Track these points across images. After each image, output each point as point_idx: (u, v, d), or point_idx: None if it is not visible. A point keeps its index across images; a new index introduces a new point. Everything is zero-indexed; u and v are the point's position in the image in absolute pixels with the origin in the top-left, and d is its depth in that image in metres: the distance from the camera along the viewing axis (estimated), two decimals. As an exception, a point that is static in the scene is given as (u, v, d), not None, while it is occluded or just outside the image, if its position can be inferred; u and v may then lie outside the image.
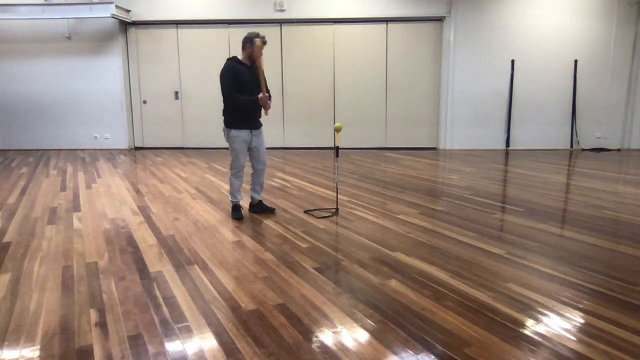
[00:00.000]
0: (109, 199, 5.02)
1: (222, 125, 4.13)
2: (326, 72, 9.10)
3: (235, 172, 4.18)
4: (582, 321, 2.25)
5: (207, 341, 2.09)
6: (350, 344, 2.06)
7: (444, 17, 8.85)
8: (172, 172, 6.75)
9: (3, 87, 9.26)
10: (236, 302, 2.47)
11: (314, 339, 2.10)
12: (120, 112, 9.34)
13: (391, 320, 2.26)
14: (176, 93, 9.42)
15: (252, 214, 4.33)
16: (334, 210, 4.40)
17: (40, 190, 5.44)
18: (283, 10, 8.84)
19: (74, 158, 8.26)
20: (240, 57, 4.13)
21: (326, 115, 9.25)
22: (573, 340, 2.08)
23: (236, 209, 4.25)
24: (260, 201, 4.39)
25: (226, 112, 4.12)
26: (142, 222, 4.09)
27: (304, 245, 3.42)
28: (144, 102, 9.49)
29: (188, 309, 2.40)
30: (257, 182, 4.34)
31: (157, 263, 3.07)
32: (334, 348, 2.02)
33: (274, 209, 4.40)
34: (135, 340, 2.09)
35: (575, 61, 8.87)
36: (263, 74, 4.04)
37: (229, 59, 4.13)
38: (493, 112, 9.11)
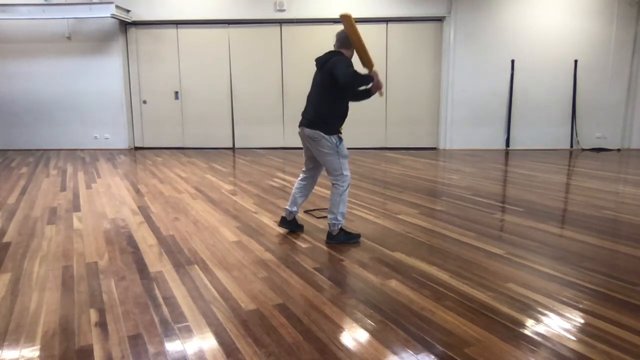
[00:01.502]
0: (109, 199, 5.02)
1: (299, 132, 3.51)
2: (326, 72, 9.08)
3: (348, 185, 3.46)
4: (582, 321, 2.25)
5: (207, 341, 2.08)
6: (350, 344, 2.06)
7: (444, 17, 8.86)
8: (172, 172, 6.74)
9: (3, 87, 9.26)
10: (236, 302, 2.47)
11: (314, 339, 2.10)
12: (120, 112, 9.34)
13: (391, 320, 2.26)
14: (176, 93, 9.42)
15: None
16: (334, 210, 4.39)
17: (40, 190, 5.44)
18: (283, 10, 8.84)
19: (74, 158, 8.26)
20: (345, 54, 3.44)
21: (326, 115, 9.23)
22: (573, 340, 2.08)
23: (349, 230, 3.59)
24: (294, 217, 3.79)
25: (330, 116, 3.37)
26: (142, 222, 4.08)
27: (304, 245, 3.41)
28: (144, 102, 9.49)
29: (188, 309, 2.39)
30: (308, 195, 3.75)
31: (157, 263, 3.07)
32: (334, 348, 2.02)
33: (302, 226, 3.84)
34: (135, 340, 2.09)
35: (575, 61, 8.87)
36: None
37: (339, 52, 3.43)
38: (493, 112, 9.11)
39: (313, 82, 3.53)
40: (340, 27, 3.49)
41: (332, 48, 3.51)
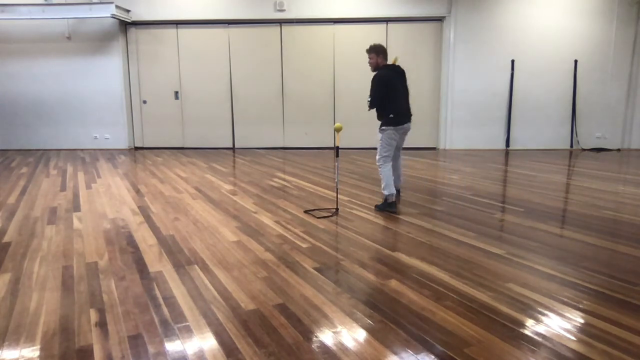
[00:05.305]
0: (109, 199, 5.02)
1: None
2: (326, 72, 9.09)
3: None
4: (582, 321, 2.25)
5: (207, 341, 2.08)
6: (350, 344, 2.06)
7: (444, 17, 8.85)
8: (172, 172, 6.74)
9: (3, 87, 9.26)
10: (236, 302, 2.47)
11: (314, 339, 2.10)
12: (120, 112, 9.34)
13: (391, 320, 2.26)
14: (176, 93, 9.42)
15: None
16: (334, 210, 4.40)
17: (40, 190, 5.44)
18: (283, 10, 8.84)
19: (74, 158, 8.26)
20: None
21: (326, 115, 9.25)
22: (573, 340, 2.08)
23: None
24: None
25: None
26: (142, 222, 4.08)
27: (304, 245, 3.41)
28: (144, 102, 9.49)
29: (188, 309, 2.40)
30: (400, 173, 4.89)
31: (157, 263, 3.07)
32: (334, 348, 2.02)
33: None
34: (135, 340, 2.09)
35: (575, 61, 8.86)
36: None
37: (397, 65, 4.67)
38: (493, 112, 9.11)
39: (398, 87, 4.50)
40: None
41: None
